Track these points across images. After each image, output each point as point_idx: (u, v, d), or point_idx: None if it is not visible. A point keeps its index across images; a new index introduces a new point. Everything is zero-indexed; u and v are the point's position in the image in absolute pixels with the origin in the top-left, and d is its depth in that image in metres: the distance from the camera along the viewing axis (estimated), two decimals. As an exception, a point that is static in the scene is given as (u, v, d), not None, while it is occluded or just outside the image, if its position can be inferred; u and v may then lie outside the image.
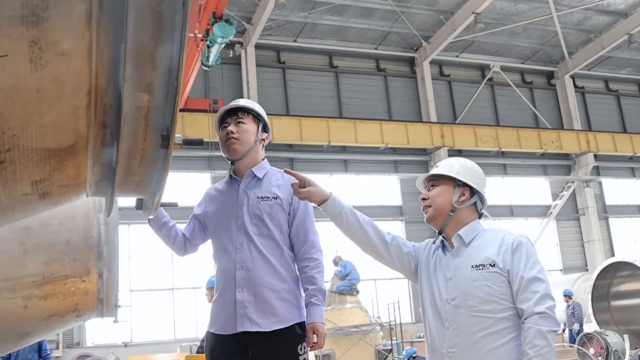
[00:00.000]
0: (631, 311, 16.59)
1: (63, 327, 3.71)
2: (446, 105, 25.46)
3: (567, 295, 17.46)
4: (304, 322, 3.52)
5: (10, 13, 1.34)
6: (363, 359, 14.42)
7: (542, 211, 26.07)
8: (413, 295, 21.98)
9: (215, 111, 12.41)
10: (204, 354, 3.66)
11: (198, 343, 10.72)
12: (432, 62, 25.06)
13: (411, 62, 25.38)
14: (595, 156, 26.06)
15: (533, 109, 26.62)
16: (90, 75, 1.54)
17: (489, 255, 2.99)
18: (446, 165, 3.24)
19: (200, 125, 18.34)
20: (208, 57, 15.18)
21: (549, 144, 25.01)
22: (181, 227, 3.85)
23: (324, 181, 21.73)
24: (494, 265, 2.96)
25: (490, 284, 2.94)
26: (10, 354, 9.14)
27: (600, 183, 27.30)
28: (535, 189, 26.27)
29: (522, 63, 27.17)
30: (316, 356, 14.20)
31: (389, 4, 22.09)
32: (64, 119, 1.58)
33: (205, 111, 18.31)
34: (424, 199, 3.22)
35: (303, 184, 3.21)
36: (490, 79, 26.34)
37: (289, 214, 3.59)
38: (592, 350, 14.06)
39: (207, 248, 3.85)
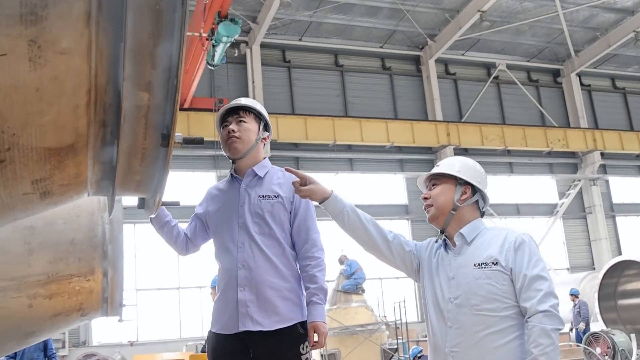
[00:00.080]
0: (638, 310, 16.51)
1: (68, 326, 3.71)
2: (452, 104, 25.41)
3: (574, 294, 17.39)
4: (307, 321, 3.51)
5: (9, 12, 1.34)
6: (369, 358, 14.41)
7: (549, 210, 26.00)
8: (419, 295, 21.89)
9: (220, 110, 12.40)
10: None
11: (204, 342, 10.73)
12: (438, 61, 25.01)
13: (417, 60, 25.33)
14: (602, 154, 25.97)
15: (539, 107, 26.54)
16: (90, 74, 1.54)
17: (491, 253, 2.98)
18: (447, 164, 3.23)
19: (205, 125, 18.35)
20: (213, 56, 15.20)
21: (555, 142, 24.94)
22: (185, 226, 3.85)
23: (329, 180, 21.78)
24: (496, 263, 2.95)
25: (492, 283, 2.93)
26: (16, 353, 9.17)
27: (607, 181, 27.22)
28: (541, 187, 26.20)
29: (528, 61, 27.09)
30: (322, 355, 14.20)
31: (394, 3, 22.06)
32: (64, 118, 1.58)
33: (210, 110, 18.31)
34: (425, 198, 3.21)
35: (304, 182, 3.20)
36: (496, 77, 26.27)
37: (290, 213, 3.58)
38: (598, 350, 14.01)
39: (211, 247, 3.84)
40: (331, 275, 17.02)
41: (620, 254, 23.97)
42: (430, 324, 3.13)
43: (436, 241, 3.23)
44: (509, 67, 26.24)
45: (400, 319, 15.06)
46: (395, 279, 21.42)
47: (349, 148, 23.02)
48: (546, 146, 24.88)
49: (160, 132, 1.67)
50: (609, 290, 16.80)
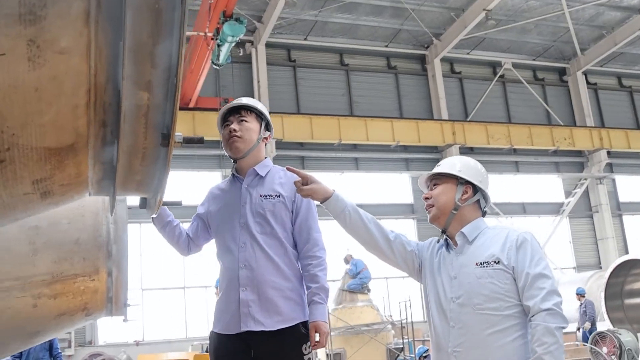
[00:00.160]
0: (645, 309, 16.50)
1: (73, 326, 3.70)
2: (457, 103, 25.39)
3: (580, 294, 17.34)
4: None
5: (8, 11, 1.33)
6: (374, 357, 14.40)
7: (555, 209, 25.95)
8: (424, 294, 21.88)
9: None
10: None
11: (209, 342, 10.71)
12: (443, 60, 24.99)
13: (422, 59, 25.31)
14: (609, 153, 25.91)
15: (545, 105, 26.50)
16: (89, 73, 1.53)
17: (493, 252, 2.97)
18: (448, 164, 3.22)
19: (211, 124, 18.29)
20: (218, 56, 15.21)
21: (561, 141, 24.89)
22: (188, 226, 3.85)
23: (335, 179, 21.79)
24: (498, 262, 2.93)
25: (495, 281, 2.92)
26: (21, 353, 9.20)
27: (613, 180, 27.15)
28: (547, 186, 26.15)
29: (534, 60, 27.04)
30: (327, 355, 14.20)
31: (399, 2, 22.04)
32: (64, 118, 1.57)
33: (216, 110, 18.31)
34: (426, 198, 3.20)
35: (305, 181, 3.19)
36: (501, 76, 26.25)
37: (292, 212, 3.57)
38: (605, 349, 13.98)
39: (214, 247, 3.83)
40: (337, 274, 17.01)
41: (626, 253, 23.92)
42: (432, 324, 3.12)
43: (438, 241, 3.22)
44: (515, 65, 26.20)
45: (406, 319, 15.05)
46: (401, 278, 21.39)
47: (355, 147, 23.02)
48: (552, 145, 24.83)
49: (161, 132, 1.66)
50: (615, 289, 16.77)
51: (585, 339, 16.20)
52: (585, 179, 26.01)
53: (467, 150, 24.04)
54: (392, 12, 22.83)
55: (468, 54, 25.83)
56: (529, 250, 2.93)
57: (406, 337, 15.20)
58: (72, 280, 3.39)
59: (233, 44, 14.85)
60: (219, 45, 14.80)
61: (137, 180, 1.82)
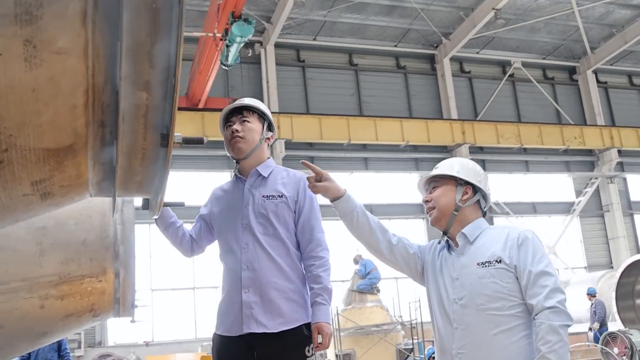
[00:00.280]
0: (656, 309, 16.40)
1: (80, 327, 3.70)
2: (467, 102, 25.32)
3: (590, 294, 17.24)
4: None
5: (3, 11, 1.32)
6: (384, 358, 14.39)
7: (566, 208, 25.83)
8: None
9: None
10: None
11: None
12: (453, 59, 24.93)
13: (431, 59, 25.26)
14: (619, 152, 25.77)
15: (555, 104, 26.39)
16: (87, 73, 1.52)
17: (494, 251, 2.95)
18: (446, 166, 3.22)
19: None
20: (227, 56, 15.21)
21: (571, 140, 24.77)
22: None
23: (344, 179, 21.76)
24: (500, 261, 2.91)
25: (497, 281, 2.89)
26: (29, 354, 9.22)
27: (624, 179, 27.00)
28: (558, 185, 26.03)
29: (544, 59, 26.93)
30: (337, 356, 14.19)
31: (408, 1, 22.00)
32: (62, 118, 1.56)
33: (225, 110, 18.31)
34: (426, 201, 3.19)
35: (319, 177, 3.17)
36: (511, 75, 26.16)
37: (294, 212, 3.55)
38: (616, 350, 13.90)
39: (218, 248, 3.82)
40: (346, 275, 16.99)
41: (638, 252, 23.80)
42: (436, 326, 3.10)
43: (439, 242, 3.21)
44: (525, 64, 26.10)
45: (416, 319, 15.01)
46: (411, 278, 21.32)
47: (364, 147, 22.99)
48: (562, 144, 24.72)
49: (160, 132, 1.65)
50: (626, 289, 16.67)
51: (596, 339, 16.12)
52: (596, 178, 25.88)
53: (477, 150, 23.98)
54: (401, 11, 22.79)
55: (477, 53, 25.75)
56: (530, 248, 2.91)
57: (416, 337, 15.18)
58: (79, 281, 3.39)
59: (242, 45, 14.84)
60: (227, 46, 14.80)
61: (137, 181, 1.81)
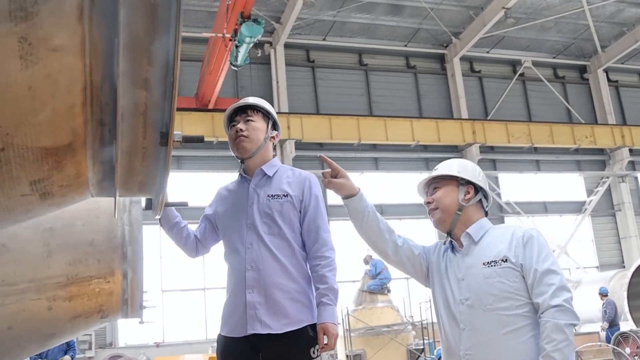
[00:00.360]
0: (669, 309, 16.29)
1: (88, 328, 3.70)
2: (477, 102, 25.26)
3: (602, 293, 17.13)
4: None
5: (-3, 8, 1.31)
6: (395, 358, 14.33)
7: (577, 207, 25.70)
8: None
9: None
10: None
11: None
12: (463, 59, 24.88)
13: (441, 58, 25.22)
14: (631, 150, 25.62)
15: (566, 104, 26.29)
16: (85, 71, 1.50)
17: (500, 251, 2.92)
18: (445, 166, 3.20)
19: (229, 125, 18.37)
20: (236, 57, 15.21)
21: (582, 139, 24.65)
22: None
23: (354, 180, 21.66)
24: (506, 260, 2.88)
25: (504, 280, 2.86)
26: (40, 355, 9.24)
27: (636, 178, 26.87)
28: (569, 185, 25.92)
29: (554, 58, 26.83)
30: (347, 356, 14.16)
31: (418, 1, 21.95)
32: (60, 117, 1.54)
33: (235, 111, 18.31)
34: (428, 202, 3.16)
35: (335, 174, 3.16)
36: (521, 75, 26.08)
37: (300, 212, 3.51)
38: (628, 350, 13.80)
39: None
40: (356, 275, 16.95)
41: (650, 251, 23.65)
42: (442, 328, 3.06)
43: (444, 243, 3.18)
44: (535, 64, 26.01)
45: (427, 319, 14.95)
46: (416, 280, 21.27)
47: (374, 147, 22.97)
48: (573, 143, 24.60)
49: (159, 131, 1.63)
50: (638, 288, 16.58)
51: (608, 339, 16.02)
52: (607, 177, 25.74)
53: (487, 150, 23.91)
54: (411, 11, 22.75)
55: (487, 52, 25.69)
56: (535, 246, 2.88)
57: (427, 337, 15.11)
58: (87, 282, 3.39)
59: (251, 45, 14.85)
60: (237, 46, 14.80)
61: (139, 181, 1.78)
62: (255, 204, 3.51)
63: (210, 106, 19.11)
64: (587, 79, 27.26)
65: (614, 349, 14.06)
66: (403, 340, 14.66)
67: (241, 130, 3.54)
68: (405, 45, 24.60)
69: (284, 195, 3.49)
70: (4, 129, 1.47)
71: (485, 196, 3.18)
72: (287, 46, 22.60)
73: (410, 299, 18.15)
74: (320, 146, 21.94)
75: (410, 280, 22.50)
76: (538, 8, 23.27)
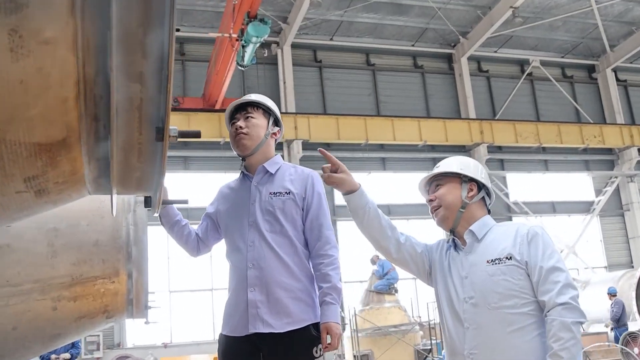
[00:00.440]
0: (678, 309, 16.20)
1: (93, 329, 3.69)
2: (485, 102, 25.18)
3: (611, 293, 17.05)
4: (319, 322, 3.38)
5: (-14, 0, 1.28)
6: (402, 359, 14.30)
7: (585, 207, 25.58)
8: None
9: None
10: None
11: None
12: (470, 58, 24.80)
13: (449, 58, 25.15)
14: (639, 150, 25.47)
15: (574, 103, 26.18)
16: (77, 64, 1.48)
17: (504, 248, 2.87)
18: (447, 164, 3.15)
19: (237, 126, 18.36)
20: (243, 57, 15.20)
21: (591, 138, 24.53)
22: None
23: (362, 180, 21.66)
24: (510, 258, 2.83)
25: (508, 278, 2.81)
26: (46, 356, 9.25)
27: (644, 178, 26.72)
28: (577, 184, 25.80)
29: (562, 57, 26.72)
30: (354, 356, 14.14)
31: (425, 0, 21.90)
32: (53, 112, 1.51)
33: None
34: (431, 200, 3.11)
35: (336, 169, 3.11)
36: (529, 74, 25.98)
37: (302, 210, 3.46)
38: (636, 350, 13.74)
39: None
40: (363, 275, 16.91)
41: (659, 251, 23.53)
42: (446, 327, 3.01)
43: (448, 241, 3.13)
44: (543, 63, 25.91)
45: (434, 319, 14.91)
46: (418, 278, 21.22)
47: (381, 147, 22.92)
48: (582, 143, 24.49)
49: (155, 126, 1.60)
50: (647, 288, 16.47)
51: (616, 339, 15.94)
52: (616, 177, 25.61)
53: (495, 150, 23.84)
54: (418, 11, 22.70)
55: (495, 52, 25.61)
56: (540, 243, 2.83)
57: (434, 338, 15.07)
58: (91, 282, 3.38)
59: (258, 45, 14.83)
60: (243, 46, 14.79)
61: (136, 178, 1.76)
62: (257, 201, 3.47)
63: (217, 106, 19.10)
64: (596, 79, 27.14)
65: (622, 349, 13.99)
66: (410, 340, 14.62)
67: (241, 127, 3.50)
68: (413, 45, 24.55)
69: (286, 192, 3.45)
70: (-4, 124, 1.45)
71: (488, 193, 3.14)
72: (294, 46, 22.58)
73: (418, 299, 18.10)
74: (328, 146, 21.88)
75: (418, 280, 22.26)
76: (546, 7, 23.17)
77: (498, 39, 24.54)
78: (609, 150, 25.96)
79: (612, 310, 16.54)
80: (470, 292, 2.89)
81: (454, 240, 3.08)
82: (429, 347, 15.00)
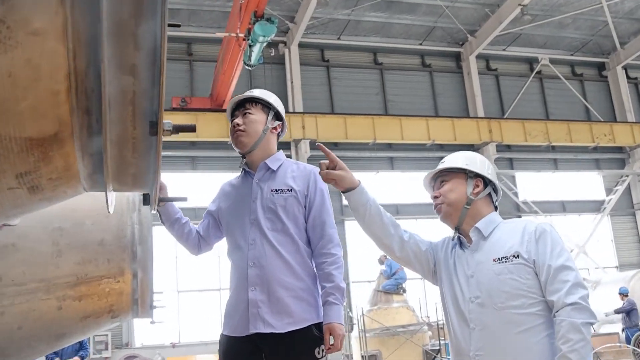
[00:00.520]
0: (690, 308, 16.09)
1: (99, 328, 3.68)
2: (494, 100, 25.10)
3: (623, 293, 16.95)
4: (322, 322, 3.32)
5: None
6: (410, 359, 14.24)
7: (596, 207, 25.46)
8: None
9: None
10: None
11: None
12: (479, 57, 24.74)
13: (457, 57, 25.10)
14: (650, 148, 25.37)
15: (584, 101, 26.06)
16: (68, 56, 1.44)
17: (511, 246, 2.79)
18: (453, 159, 3.08)
19: (245, 125, 18.38)
20: (250, 56, 15.19)
21: (601, 137, 24.41)
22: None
23: (370, 179, 21.68)
24: (517, 256, 2.75)
25: (515, 277, 2.73)
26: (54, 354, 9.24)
27: (656, 176, 26.57)
28: (587, 183, 25.70)
29: (572, 55, 26.61)
30: (362, 357, 14.10)
31: (433, -1, 21.88)
32: (43, 105, 1.48)
33: (249, 111, 18.32)
34: (435, 197, 3.04)
35: (334, 165, 3.01)
36: (538, 72, 25.89)
37: (304, 207, 3.41)
38: (648, 351, 13.63)
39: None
40: (371, 275, 16.87)
41: (670, 251, 23.40)
42: (451, 328, 2.95)
43: (452, 239, 3.06)
44: (552, 61, 25.80)
45: (443, 319, 14.84)
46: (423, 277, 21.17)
47: (389, 147, 22.88)
48: (592, 141, 24.37)
49: (149, 120, 1.56)
50: (659, 288, 16.37)
51: (628, 340, 15.86)
52: (627, 176, 25.49)
53: (504, 148, 23.75)
54: (426, 9, 22.66)
55: (504, 50, 25.53)
56: (549, 241, 2.74)
57: (443, 338, 15.00)
58: (96, 282, 3.38)
59: (265, 44, 14.82)
60: (250, 46, 14.78)
61: (132, 174, 1.72)
62: (258, 199, 3.42)
63: (225, 106, 19.07)
64: (606, 76, 27.03)
65: (634, 349, 13.90)
66: (419, 340, 14.57)
67: (238, 124, 3.46)
68: (421, 44, 24.51)
69: (288, 189, 3.40)
70: (-17, 118, 1.41)
71: (495, 190, 3.05)
72: (301, 46, 22.58)
73: (426, 299, 18.03)
74: (336, 145, 21.88)
75: (427, 280, 22.28)
76: (555, 4, 23.07)
77: (506, 37, 24.46)
78: (620, 149, 25.84)
79: (622, 307, 16.51)
80: (476, 291, 2.82)
81: (459, 238, 3.00)
82: (438, 348, 14.94)
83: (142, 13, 1.40)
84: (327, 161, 3.02)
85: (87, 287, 3.38)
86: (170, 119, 1.86)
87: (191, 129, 1.83)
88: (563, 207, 25.09)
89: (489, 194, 3.03)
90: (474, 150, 23.06)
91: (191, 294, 20.18)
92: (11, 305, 3.16)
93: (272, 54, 18.66)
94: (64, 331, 3.49)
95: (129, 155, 1.62)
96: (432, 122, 22.82)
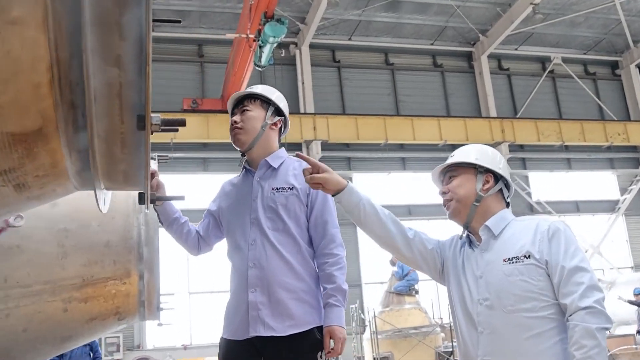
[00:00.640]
0: None
1: (105, 331, 3.65)
2: (506, 100, 24.98)
3: (638, 294, 16.80)
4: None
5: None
6: (423, 361, 14.17)
7: (610, 206, 25.26)
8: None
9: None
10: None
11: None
12: (491, 56, 24.62)
13: (469, 56, 25.00)
14: (665, 147, 25.19)
15: (597, 100, 25.89)
16: (50, 47, 1.38)
17: (522, 245, 2.65)
18: (463, 153, 2.95)
19: (255, 127, 18.41)
20: (260, 57, 15.19)
21: (615, 136, 24.22)
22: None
23: (381, 180, 21.61)
24: (529, 256, 2.61)
25: (526, 279, 2.59)
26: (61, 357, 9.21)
27: (671, 175, 26.35)
28: (602, 183, 25.52)
29: (585, 54, 26.44)
30: (374, 358, 14.04)
31: (444, -1, 21.81)
32: (25, 99, 1.42)
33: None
34: (444, 192, 2.93)
35: (316, 169, 2.89)
36: (551, 72, 25.74)
37: (306, 206, 3.32)
38: (664, 352, 13.48)
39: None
40: (383, 277, 16.80)
41: (686, 251, 23.19)
42: (459, 330, 2.82)
43: (460, 237, 2.94)
44: (565, 60, 25.65)
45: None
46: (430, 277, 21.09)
47: (401, 147, 22.80)
48: (605, 141, 24.19)
49: (137, 114, 1.50)
50: (674, 289, 16.22)
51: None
52: (642, 175, 25.31)
53: (517, 148, 23.62)
54: (437, 9, 22.59)
55: (516, 49, 25.41)
56: (562, 241, 2.60)
57: (455, 340, 14.91)
58: (102, 283, 3.35)
59: (275, 45, 14.81)
60: (260, 47, 14.78)
61: (122, 171, 1.65)
62: (259, 197, 3.34)
63: (235, 107, 19.10)
64: (619, 75, 26.85)
65: (649, 351, 13.75)
66: (431, 342, 14.48)
67: (235, 122, 3.39)
68: (432, 44, 24.43)
69: (289, 188, 3.31)
70: (-37, 112, 1.36)
71: (507, 185, 2.92)
72: (312, 46, 22.57)
73: (439, 300, 17.93)
74: (347, 146, 21.85)
75: (435, 281, 22.15)
76: (567, 3, 22.92)
77: (518, 37, 24.33)
78: (634, 148, 25.65)
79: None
80: (485, 293, 2.69)
81: (468, 236, 2.88)
82: (450, 350, 14.83)
83: (127, 1, 1.34)
84: (309, 167, 2.92)
85: (93, 289, 3.35)
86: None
87: (180, 123, 1.77)
88: (577, 207, 24.92)
89: (500, 190, 2.91)
90: (486, 150, 23.02)
91: (203, 295, 20.17)
92: (16, 308, 3.14)
93: (283, 55, 18.64)
94: (69, 333, 3.47)
95: (118, 151, 1.56)
96: (444, 122, 22.73)
